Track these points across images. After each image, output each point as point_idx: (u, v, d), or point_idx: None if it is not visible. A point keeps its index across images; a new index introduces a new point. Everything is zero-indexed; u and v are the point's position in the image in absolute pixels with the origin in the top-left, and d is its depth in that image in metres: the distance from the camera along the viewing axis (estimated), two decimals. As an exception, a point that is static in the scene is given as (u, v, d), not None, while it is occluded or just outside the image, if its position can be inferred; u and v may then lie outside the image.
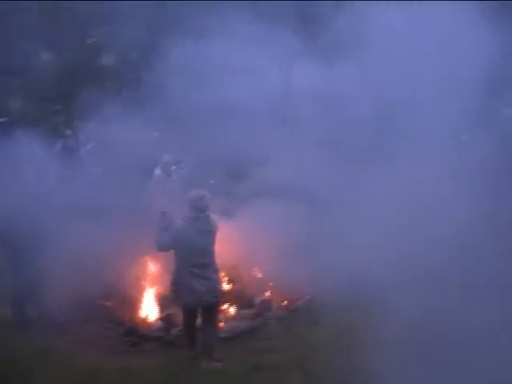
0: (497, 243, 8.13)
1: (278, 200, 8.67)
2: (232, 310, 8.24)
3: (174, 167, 9.42)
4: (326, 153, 9.18)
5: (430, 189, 8.49)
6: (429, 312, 7.43)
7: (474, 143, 12.20)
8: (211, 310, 7.21)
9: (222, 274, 7.64)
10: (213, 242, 7.14)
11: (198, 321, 7.29)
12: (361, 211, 8.78)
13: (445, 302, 7.51)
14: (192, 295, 6.97)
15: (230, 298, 8.26)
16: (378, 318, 7.50)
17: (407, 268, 8.08)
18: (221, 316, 7.75)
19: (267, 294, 8.53)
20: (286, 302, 8.45)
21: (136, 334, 7.66)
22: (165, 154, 9.47)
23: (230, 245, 8.15)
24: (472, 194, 8.51)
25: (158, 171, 9.47)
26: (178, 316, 7.51)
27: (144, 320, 8.02)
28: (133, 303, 8.20)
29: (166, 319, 7.86)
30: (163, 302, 8.03)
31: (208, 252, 7.09)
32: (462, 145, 12.32)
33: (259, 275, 8.77)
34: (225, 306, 8.16)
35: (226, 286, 8.31)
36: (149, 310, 8.12)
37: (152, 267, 8.42)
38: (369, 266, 8.60)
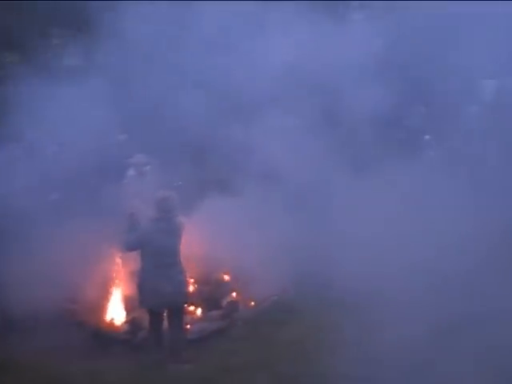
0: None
1: (249, 198, 8.75)
2: (199, 312, 8.32)
3: (146, 167, 9.42)
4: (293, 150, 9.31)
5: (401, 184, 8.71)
6: (396, 313, 7.62)
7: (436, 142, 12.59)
8: (177, 312, 7.29)
9: (189, 275, 7.68)
10: (178, 243, 7.22)
11: (165, 323, 7.35)
12: (334, 209, 8.96)
13: (412, 303, 7.72)
14: (158, 297, 7.04)
15: (197, 299, 8.32)
16: (344, 318, 7.70)
17: (378, 268, 8.29)
18: (188, 318, 7.83)
19: (234, 294, 8.61)
20: (253, 303, 8.55)
21: (103, 338, 7.68)
22: (137, 155, 9.47)
23: (197, 245, 8.21)
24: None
25: (131, 172, 9.47)
26: (145, 318, 7.55)
27: (110, 323, 8.05)
28: (99, 306, 8.21)
29: (132, 322, 7.89)
30: (130, 304, 8.05)
31: (173, 253, 7.17)
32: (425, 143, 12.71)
33: (226, 276, 8.85)
34: (192, 308, 8.23)
35: (192, 287, 8.36)
36: (115, 312, 8.14)
37: (119, 269, 8.43)
38: (339, 267, 8.80)
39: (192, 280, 8.44)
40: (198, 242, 8.15)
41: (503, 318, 7.41)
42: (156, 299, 7.06)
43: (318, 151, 9.15)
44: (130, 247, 7.20)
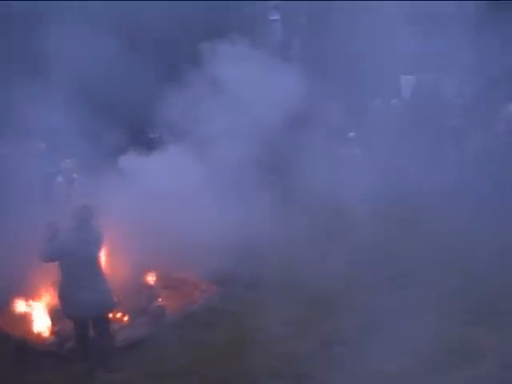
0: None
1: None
2: (125, 319, 8.47)
3: (75, 174, 9.47)
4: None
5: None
6: (323, 309, 8.05)
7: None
8: (102, 321, 7.47)
9: (112, 283, 7.84)
10: (98, 252, 7.38)
11: (91, 332, 7.50)
12: (259, 207, 9.27)
13: (339, 297, 8.14)
14: (80, 307, 7.19)
15: (122, 306, 8.47)
16: (270, 317, 8.06)
17: (303, 264, 8.69)
18: (114, 325, 7.99)
19: (160, 300, 8.82)
20: (180, 307, 8.77)
21: (29, 350, 7.75)
22: (65, 161, 9.50)
23: (119, 252, 8.35)
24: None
25: (59, 178, 9.48)
26: (71, 329, 7.67)
27: (36, 335, 8.12)
28: (24, 318, 8.26)
29: (58, 333, 7.99)
30: (55, 315, 8.14)
31: (94, 262, 7.35)
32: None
33: (152, 282, 9.04)
34: (117, 315, 8.38)
35: (116, 295, 8.50)
36: (41, 324, 8.22)
37: (42, 280, 8.49)
38: (264, 265, 9.16)
39: (116, 287, 8.57)
40: (120, 247, 8.31)
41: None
42: (78, 309, 7.23)
43: (237, 152, 9.40)
44: (48, 257, 7.33)
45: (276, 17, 10.28)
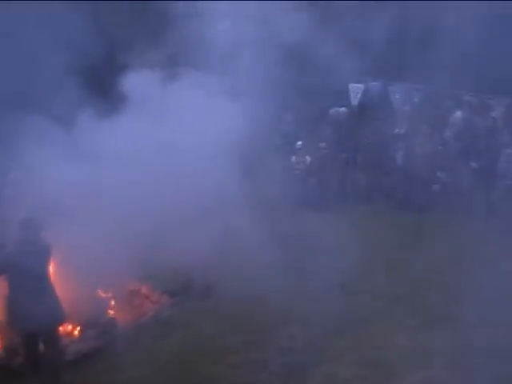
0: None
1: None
2: (76, 332, 8.52)
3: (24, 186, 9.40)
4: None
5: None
6: (277, 319, 8.24)
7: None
8: (51, 335, 7.47)
9: (62, 295, 7.87)
10: (45, 265, 7.40)
11: (41, 346, 7.51)
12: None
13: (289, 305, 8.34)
14: (28, 321, 7.18)
15: (73, 319, 8.50)
16: (223, 326, 8.23)
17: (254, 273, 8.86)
18: (64, 339, 8.02)
19: (111, 312, 8.89)
20: (131, 319, 8.86)
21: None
22: (13, 172, 9.43)
23: (69, 263, 8.38)
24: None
25: (7, 191, 9.40)
26: (20, 343, 7.67)
27: (-16, 351, 8.10)
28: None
29: (7, 348, 7.99)
30: (3, 329, 8.13)
31: (42, 275, 7.34)
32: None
33: (102, 293, 9.10)
34: (68, 328, 8.42)
35: (66, 308, 8.53)
36: (-12, 339, 8.21)
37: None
38: (215, 275, 9.29)
39: (66, 300, 8.61)
40: (70, 258, 8.34)
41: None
42: (27, 324, 7.22)
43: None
44: (-5, 270, 7.31)
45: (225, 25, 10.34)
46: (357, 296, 9.29)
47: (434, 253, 10.59)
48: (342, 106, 14.46)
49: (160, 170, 8.57)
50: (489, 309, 8.73)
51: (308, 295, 8.95)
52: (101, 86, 10.27)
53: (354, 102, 14.95)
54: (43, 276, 7.35)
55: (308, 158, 14.08)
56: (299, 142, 14.09)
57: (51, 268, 7.71)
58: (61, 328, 7.91)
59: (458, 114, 14.28)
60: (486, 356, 7.69)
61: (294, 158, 14.09)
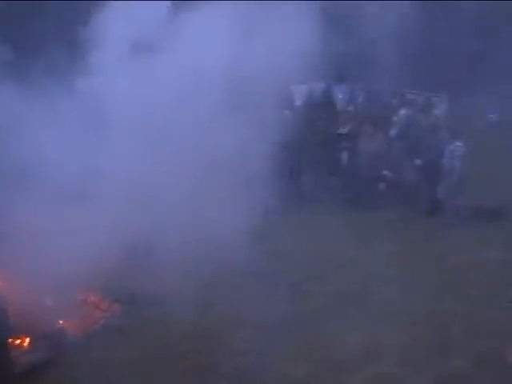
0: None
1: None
2: (25, 343, 8.47)
3: None
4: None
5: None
6: (229, 322, 8.34)
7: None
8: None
9: (9, 307, 7.84)
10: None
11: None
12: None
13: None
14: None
15: (22, 330, 8.46)
16: (172, 332, 8.30)
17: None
18: (13, 350, 7.98)
19: (61, 322, 8.87)
20: (81, 328, 8.85)
21: None
22: None
23: (16, 274, 8.35)
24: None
25: None
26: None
27: None
28: None
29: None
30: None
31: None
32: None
33: (51, 303, 9.06)
34: (16, 340, 8.37)
35: (14, 319, 8.49)
36: None
37: None
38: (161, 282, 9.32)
39: (14, 311, 8.57)
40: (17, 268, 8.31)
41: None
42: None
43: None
44: None
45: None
46: (307, 296, 9.47)
47: (382, 250, 10.85)
48: (285, 109, 14.62)
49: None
50: (438, 302, 9.05)
51: (258, 297, 9.07)
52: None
53: (298, 103, 15.12)
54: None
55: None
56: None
57: (-2, 279, 7.71)
58: (10, 339, 7.90)
59: (402, 112, 14.62)
60: (434, 351, 7.98)
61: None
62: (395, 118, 14.72)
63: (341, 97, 15.45)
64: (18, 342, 8.42)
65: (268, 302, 8.93)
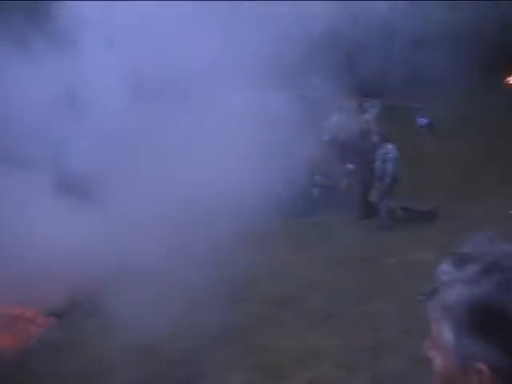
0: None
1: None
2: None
3: None
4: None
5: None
6: (167, 332, 8.42)
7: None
8: None
9: None
10: None
11: None
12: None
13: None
14: None
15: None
16: (115, 345, 8.33)
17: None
18: None
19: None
20: (16, 345, 8.82)
21: None
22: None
23: None
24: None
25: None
26: None
27: None
28: None
29: None
30: None
31: None
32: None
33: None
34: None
35: None
36: None
37: None
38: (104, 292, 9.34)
39: None
40: None
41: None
42: None
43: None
44: None
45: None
46: (244, 303, 9.62)
47: (317, 255, 11.08)
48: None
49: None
50: (372, 304, 9.31)
51: (195, 306, 9.18)
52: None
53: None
54: None
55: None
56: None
57: None
58: None
59: (334, 118, 14.89)
60: (370, 352, 8.24)
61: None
62: (327, 124, 14.98)
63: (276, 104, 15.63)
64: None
65: (205, 311, 9.08)
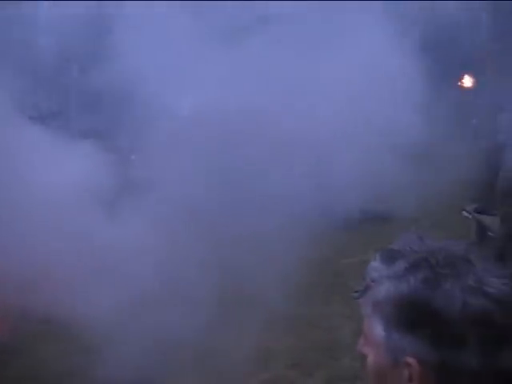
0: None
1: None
2: None
3: None
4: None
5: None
6: (117, 337, 8.35)
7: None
8: None
9: None
10: None
11: None
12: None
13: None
14: None
15: None
16: (65, 349, 8.28)
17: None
18: None
19: None
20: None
21: None
22: None
23: None
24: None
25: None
26: None
27: None
28: None
29: None
30: None
31: None
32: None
33: None
34: None
35: None
36: None
37: None
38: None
39: None
40: None
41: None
42: None
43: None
44: None
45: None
46: (196, 306, 9.55)
47: (268, 256, 11.06)
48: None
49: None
50: (325, 305, 9.40)
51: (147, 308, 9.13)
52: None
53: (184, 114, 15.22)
54: None
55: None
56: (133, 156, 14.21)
57: None
58: None
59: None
60: (324, 352, 8.32)
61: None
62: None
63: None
64: None
65: (158, 315, 9.00)
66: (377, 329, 1.71)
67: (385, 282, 1.70)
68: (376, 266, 1.74)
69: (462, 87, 13.54)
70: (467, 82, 12.07)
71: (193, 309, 9.45)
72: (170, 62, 9.25)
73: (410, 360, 1.62)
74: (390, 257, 1.72)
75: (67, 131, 9.80)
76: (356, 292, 1.83)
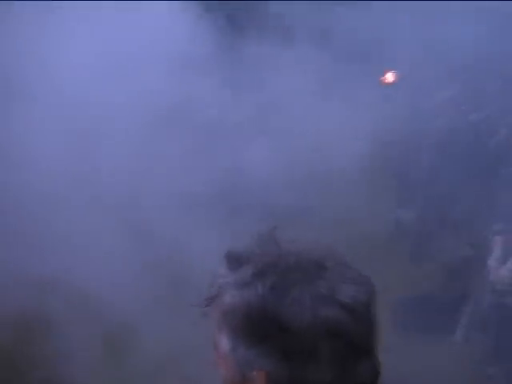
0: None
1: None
2: None
3: None
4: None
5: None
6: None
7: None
8: None
9: None
10: None
11: None
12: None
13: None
14: None
15: None
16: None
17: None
18: None
19: None
20: None
21: None
22: None
23: None
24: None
25: None
26: None
27: None
28: None
29: None
30: None
31: None
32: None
33: None
34: None
35: None
36: None
37: None
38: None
39: None
40: None
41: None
42: None
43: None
44: None
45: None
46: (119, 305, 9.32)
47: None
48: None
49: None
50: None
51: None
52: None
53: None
54: None
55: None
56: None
57: None
58: None
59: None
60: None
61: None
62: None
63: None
64: None
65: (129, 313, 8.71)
66: (223, 341, 1.57)
67: (230, 289, 1.56)
68: (222, 272, 1.60)
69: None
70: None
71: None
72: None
73: (259, 374, 1.51)
74: (237, 261, 1.58)
75: None
76: (204, 300, 1.67)
